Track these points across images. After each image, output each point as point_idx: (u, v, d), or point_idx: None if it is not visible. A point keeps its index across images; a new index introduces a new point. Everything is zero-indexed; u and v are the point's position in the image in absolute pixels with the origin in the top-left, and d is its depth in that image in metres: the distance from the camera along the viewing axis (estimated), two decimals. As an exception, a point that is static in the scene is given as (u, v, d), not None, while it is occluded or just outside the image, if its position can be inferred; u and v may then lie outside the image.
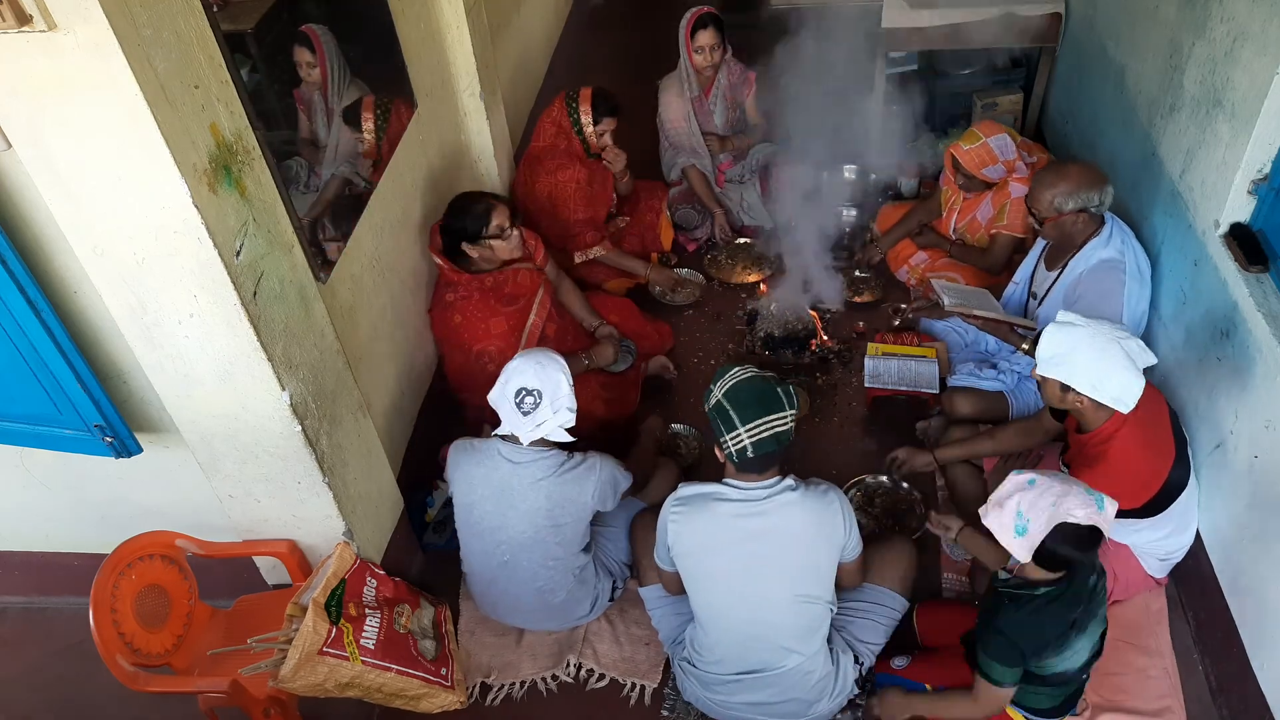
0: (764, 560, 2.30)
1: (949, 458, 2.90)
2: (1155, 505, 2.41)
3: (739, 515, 2.30)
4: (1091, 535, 2.03)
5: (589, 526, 2.71)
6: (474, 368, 3.19)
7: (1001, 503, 2.12)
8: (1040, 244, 3.07)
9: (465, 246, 3.16)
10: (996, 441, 2.82)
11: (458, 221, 3.16)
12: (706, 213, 4.26)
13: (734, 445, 2.23)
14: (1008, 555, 2.22)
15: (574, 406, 2.54)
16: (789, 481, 2.32)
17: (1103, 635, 2.23)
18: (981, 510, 2.16)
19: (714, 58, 4.05)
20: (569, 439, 2.55)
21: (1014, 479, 2.13)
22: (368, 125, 3.02)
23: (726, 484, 2.33)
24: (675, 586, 2.51)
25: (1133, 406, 2.26)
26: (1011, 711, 2.33)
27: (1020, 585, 2.17)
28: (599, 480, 2.61)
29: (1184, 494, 2.46)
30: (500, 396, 2.54)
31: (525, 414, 2.49)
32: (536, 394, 2.48)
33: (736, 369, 2.33)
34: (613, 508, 2.71)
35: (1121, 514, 2.43)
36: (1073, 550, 2.06)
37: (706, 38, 3.99)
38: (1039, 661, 2.15)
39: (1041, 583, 2.14)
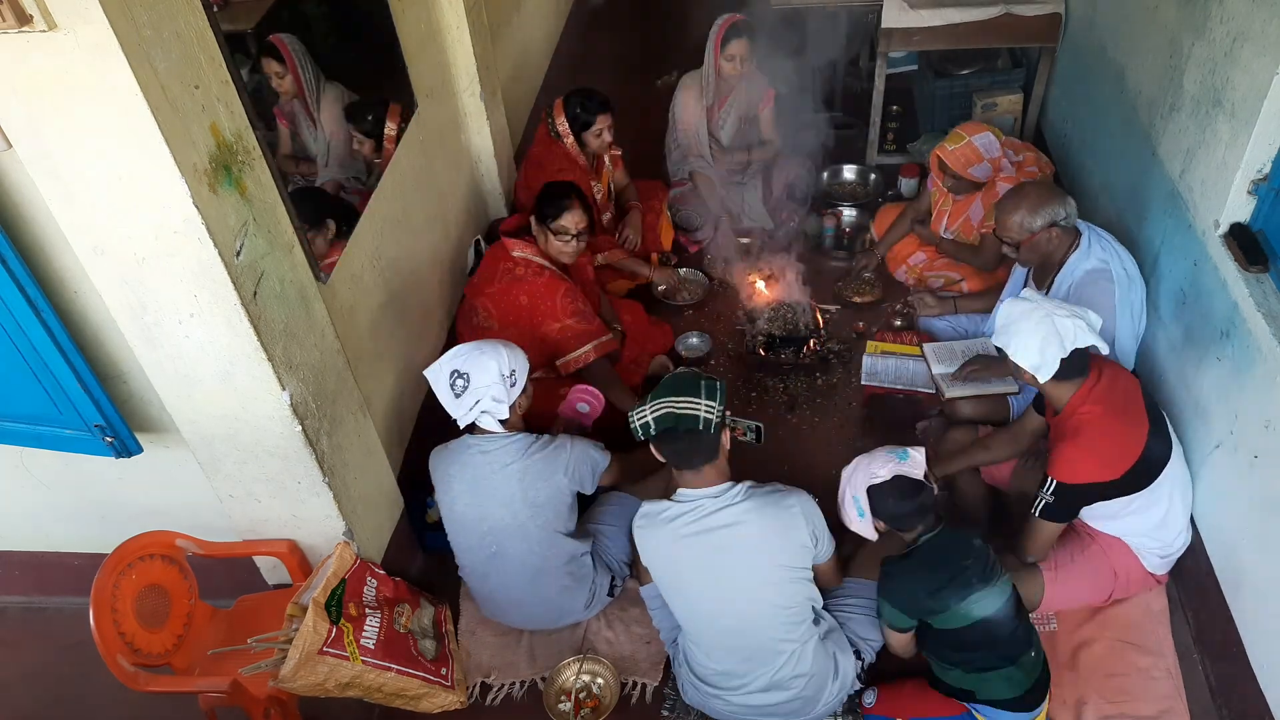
0: (730, 569, 2.31)
1: (945, 472, 2.86)
2: (1138, 478, 2.42)
3: (693, 527, 2.30)
4: (907, 483, 2.24)
5: (573, 508, 2.71)
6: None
7: (841, 500, 2.36)
8: (1020, 270, 3.05)
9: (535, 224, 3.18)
10: (991, 451, 2.83)
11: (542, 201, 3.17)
12: (708, 217, 4.24)
13: (638, 420, 2.31)
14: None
15: (503, 398, 2.52)
16: (741, 488, 2.31)
17: (1019, 599, 2.34)
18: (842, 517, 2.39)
19: (743, 68, 4.01)
20: (497, 427, 2.56)
21: (843, 473, 2.38)
22: (366, 127, 3.03)
23: (676, 497, 2.36)
24: None
25: (1048, 378, 2.36)
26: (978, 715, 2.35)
27: (901, 554, 2.36)
28: (570, 457, 2.62)
29: (1169, 471, 2.47)
30: (437, 375, 2.57)
31: (457, 396, 2.53)
32: (465, 377, 2.52)
33: (682, 370, 2.42)
34: (593, 489, 2.72)
35: (1109, 492, 2.43)
36: (898, 502, 2.26)
37: (739, 47, 3.94)
38: (936, 603, 2.23)
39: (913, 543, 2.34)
